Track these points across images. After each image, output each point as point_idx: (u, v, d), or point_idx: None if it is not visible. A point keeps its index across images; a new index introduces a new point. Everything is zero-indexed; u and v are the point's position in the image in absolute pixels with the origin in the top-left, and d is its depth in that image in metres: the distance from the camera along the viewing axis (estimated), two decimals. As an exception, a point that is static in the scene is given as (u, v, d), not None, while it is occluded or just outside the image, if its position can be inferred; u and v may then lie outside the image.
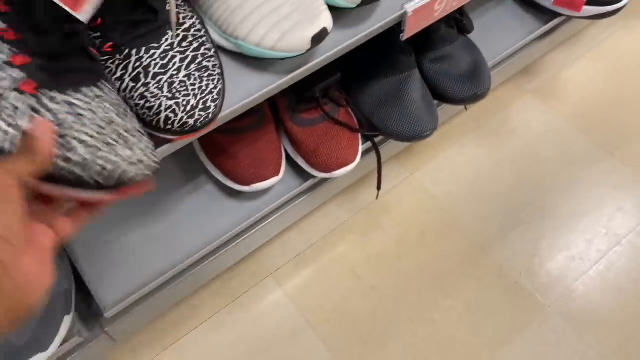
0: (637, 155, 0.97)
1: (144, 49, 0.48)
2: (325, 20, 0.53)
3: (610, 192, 0.93)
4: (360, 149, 0.75)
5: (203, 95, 0.48)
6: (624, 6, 0.86)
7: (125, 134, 0.40)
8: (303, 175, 0.76)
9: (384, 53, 0.74)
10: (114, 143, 0.38)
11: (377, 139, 0.79)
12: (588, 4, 0.85)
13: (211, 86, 0.49)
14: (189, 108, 0.47)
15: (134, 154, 0.40)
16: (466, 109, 0.95)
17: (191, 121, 0.47)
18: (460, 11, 0.80)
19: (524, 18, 0.93)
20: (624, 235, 0.88)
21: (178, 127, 0.47)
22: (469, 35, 0.84)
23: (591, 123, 1.01)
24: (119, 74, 0.47)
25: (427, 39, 0.78)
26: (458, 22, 0.79)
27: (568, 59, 1.09)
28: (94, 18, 0.48)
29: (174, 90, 0.47)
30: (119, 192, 0.39)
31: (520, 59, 0.95)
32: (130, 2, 0.48)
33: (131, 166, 0.39)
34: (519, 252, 0.87)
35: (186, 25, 0.51)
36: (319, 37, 0.53)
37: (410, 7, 0.60)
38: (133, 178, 0.39)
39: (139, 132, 0.42)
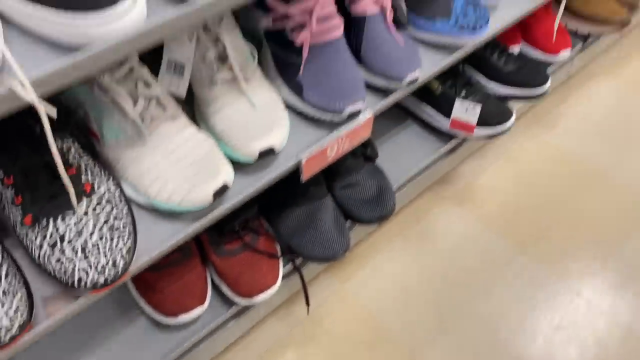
0: (549, 252, 1.06)
1: (60, 217, 0.55)
2: (225, 176, 0.62)
3: (526, 289, 1.01)
4: (281, 272, 0.82)
5: (112, 253, 0.55)
6: (512, 126, 0.99)
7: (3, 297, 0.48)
8: (230, 300, 0.82)
9: (297, 185, 0.83)
10: None
11: (300, 259, 0.86)
12: (479, 125, 0.97)
13: (120, 244, 0.56)
14: (99, 268, 0.54)
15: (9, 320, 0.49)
16: (379, 224, 1.04)
17: (102, 279, 0.54)
18: (365, 141, 0.91)
19: (428, 139, 1.05)
20: (541, 331, 0.95)
21: (90, 286, 0.54)
22: (381, 155, 0.94)
23: (506, 225, 1.10)
24: (38, 242, 0.55)
25: (336, 169, 0.88)
26: (363, 151, 0.90)
27: (481, 166, 1.21)
28: (15, 194, 0.56)
29: (87, 253, 0.54)
30: None
31: (431, 173, 1.06)
32: (48, 177, 0.56)
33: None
34: (447, 357, 0.92)
35: (101, 191, 0.59)
36: (220, 192, 0.62)
37: (304, 156, 0.70)
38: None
39: (12, 291, 0.51)
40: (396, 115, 1.07)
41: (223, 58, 0.68)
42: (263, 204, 0.85)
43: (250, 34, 0.79)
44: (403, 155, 1.02)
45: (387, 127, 1.06)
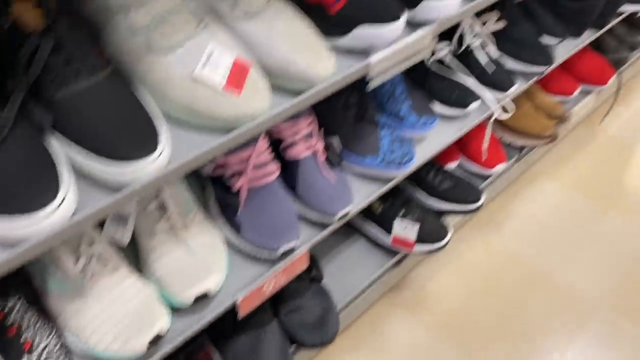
0: (496, 358, 1.09)
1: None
2: (162, 325, 0.67)
3: (475, 399, 1.03)
4: (226, 401, 0.84)
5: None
6: (448, 242, 1.05)
7: None
8: None
9: (243, 313, 0.88)
10: None
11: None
12: (418, 242, 1.04)
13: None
14: None
15: None
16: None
17: None
18: (310, 263, 0.96)
19: (375, 252, 1.11)
20: None
21: None
22: (329, 271, 0.99)
23: (456, 331, 1.14)
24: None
25: (281, 293, 0.92)
26: (308, 274, 0.95)
27: (430, 272, 1.26)
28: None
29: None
30: None
31: (380, 284, 1.11)
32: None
33: None
34: None
35: (40, 348, 0.63)
36: (155, 341, 0.66)
37: (240, 296, 0.75)
38: None
39: None
40: (343, 231, 1.14)
41: (163, 208, 0.74)
42: (212, 329, 0.88)
43: (196, 174, 0.86)
44: (351, 271, 1.08)
45: (335, 242, 1.12)
